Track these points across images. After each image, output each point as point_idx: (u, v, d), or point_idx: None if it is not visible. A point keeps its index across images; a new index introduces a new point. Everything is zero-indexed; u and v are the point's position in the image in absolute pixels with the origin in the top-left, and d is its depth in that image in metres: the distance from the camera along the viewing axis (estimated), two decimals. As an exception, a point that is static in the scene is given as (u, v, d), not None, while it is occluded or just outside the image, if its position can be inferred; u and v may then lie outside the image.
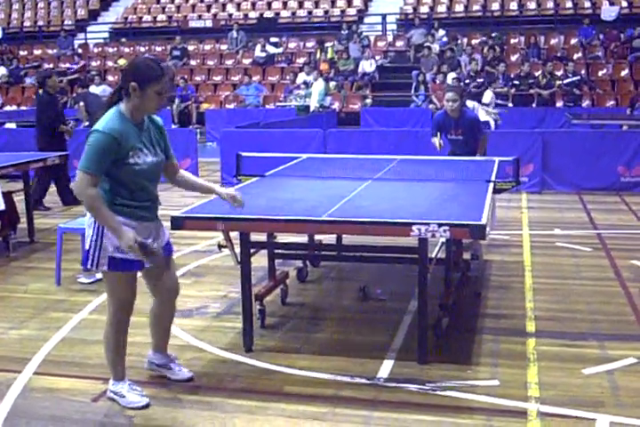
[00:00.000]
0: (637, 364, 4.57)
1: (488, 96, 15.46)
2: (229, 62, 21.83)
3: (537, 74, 17.99)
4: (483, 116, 12.39)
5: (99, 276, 6.54)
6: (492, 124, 13.62)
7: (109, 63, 22.50)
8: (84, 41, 24.40)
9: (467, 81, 17.47)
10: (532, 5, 22.28)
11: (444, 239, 5.48)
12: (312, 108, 17.06)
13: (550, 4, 22.17)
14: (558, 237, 7.93)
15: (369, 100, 18.99)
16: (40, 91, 9.98)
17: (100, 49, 23.76)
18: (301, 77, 18.64)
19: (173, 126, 17.89)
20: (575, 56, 19.42)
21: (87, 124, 13.08)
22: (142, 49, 23.02)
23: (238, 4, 24.93)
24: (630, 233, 8.11)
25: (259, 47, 21.32)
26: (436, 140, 7.49)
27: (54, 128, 9.66)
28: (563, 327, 5.24)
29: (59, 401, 4.21)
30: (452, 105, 7.32)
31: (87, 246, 3.94)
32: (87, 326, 5.42)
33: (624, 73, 18.65)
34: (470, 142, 7.48)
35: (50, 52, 23.73)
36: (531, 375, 4.42)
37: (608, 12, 20.56)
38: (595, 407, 3.99)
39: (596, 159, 10.58)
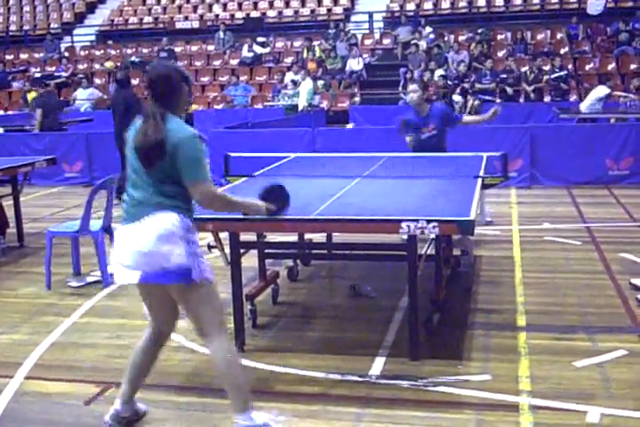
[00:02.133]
0: (627, 356, 4.59)
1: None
2: (217, 63, 21.79)
3: (524, 69, 18.03)
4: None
5: (89, 279, 6.57)
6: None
7: (96, 66, 22.43)
8: (70, 44, 24.31)
9: (455, 81, 17.51)
10: (518, 1, 22.29)
11: (433, 235, 5.49)
12: (300, 108, 17.05)
13: (536, 0, 22.21)
14: (548, 231, 7.96)
15: (357, 99, 18.99)
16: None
17: (86, 52, 23.67)
18: (289, 77, 18.62)
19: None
20: (562, 51, 19.46)
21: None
22: (129, 51, 22.94)
23: (224, 5, 24.89)
24: (619, 226, 8.14)
25: (246, 47, 21.29)
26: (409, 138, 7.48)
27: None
28: (553, 321, 5.26)
29: (51, 405, 4.20)
30: (412, 96, 7.44)
31: (183, 260, 3.52)
32: (78, 330, 5.41)
33: (610, 67, 18.70)
34: (443, 135, 7.46)
35: (36, 55, 23.63)
36: (522, 369, 4.43)
37: (594, 7, 20.58)
38: (586, 400, 4.01)
39: (585, 153, 10.61)
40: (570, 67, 18.30)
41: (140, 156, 3.56)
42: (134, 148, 3.59)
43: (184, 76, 3.67)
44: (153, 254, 3.52)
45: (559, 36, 20.42)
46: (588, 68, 18.82)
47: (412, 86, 7.58)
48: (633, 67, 18.35)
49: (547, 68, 17.77)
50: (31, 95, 19.38)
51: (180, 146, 3.49)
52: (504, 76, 17.37)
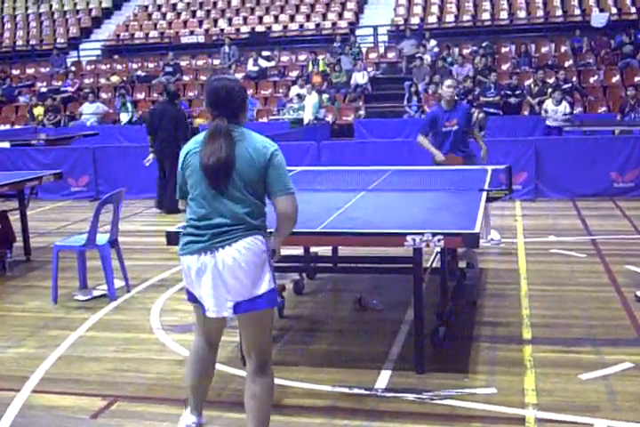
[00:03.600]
0: (633, 368, 4.59)
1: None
2: (222, 77, 21.88)
3: (528, 82, 18.08)
4: None
5: (95, 293, 6.59)
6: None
7: (102, 80, 22.56)
8: (76, 59, 24.47)
9: (461, 96, 17.56)
10: (522, 14, 22.39)
11: (438, 249, 5.50)
12: (306, 121, 17.11)
13: (540, 13, 22.28)
14: (553, 243, 7.96)
15: (362, 112, 19.05)
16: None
17: (92, 66, 23.82)
18: (294, 91, 18.70)
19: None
20: (566, 63, 19.51)
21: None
22: (135, 66, 23.09)
23: (230, 19, 25.04)
24: (624, 238, 8.14)
25: (251, 61, 21.40)
26: (433, 149, 7.82)
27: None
28: (559, 333, 5.26)
29: (58, 419, 4.21)
30: (451, 91, 7.76)
31: (272, 285, 3.49)
32: (85, 344, 5.42)
33: (615, 79, 18.74)
34: (463, 134, 7.87)
35: (43, 70, 23.79)
36: (528, 382, 4.43)
37: (598, 19, 20.65)
38: (592, 412, 4.01)
39: (589, 166, 10.63)
40: (574, 79, 18.34)
41: (216, 176, 3.40)
42: (207, 168, 3.40)
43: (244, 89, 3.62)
44: (246, 283, 3.42)
45: (563, 48, 20.48)
46: (592, 80, 18.87)
47: (449, 81, 7.83)
48: (637, 79, 18.38)
49: (551, 80, 17.82)
50: (37, 110, 19.53)
51: (272, 158, 3.44)
52: (509, 92, 17.42)
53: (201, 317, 3.65)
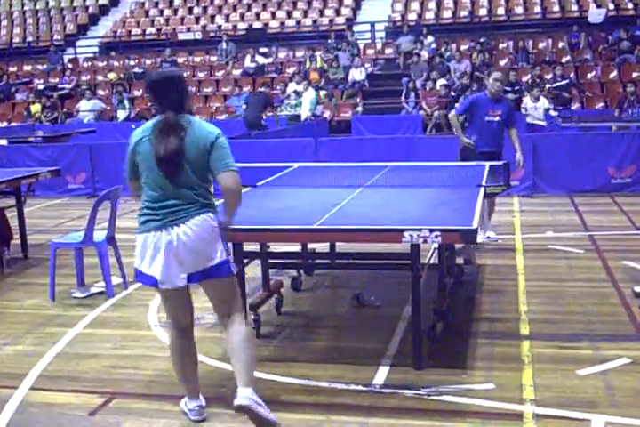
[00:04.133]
0: (631, 364, 4.60)
1: None
2: (219, 74, 21.87)
3: (526, 78, 18.07)
4: None
5: (93, 290, 6.58)
6: None
7: (99, 77, 22.52)
8: (73, 56, 24.42)
9: (458, 93, 17.55)
10: (520, 10, 22.37)
11: (436, 245, 5.50)
12: (304, 117, 17.08)
13: (537, 9, 22.27)
14: (551, 239, 7.97)
15: (359, 108, 19.04)
16: None
17: (89, 63, 23.78)
18: (292, 87, 18.68)
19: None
20: (564, 59, 19.50)
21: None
22: (132, 62, 23.05)
23: (227, 16, 25.00)
24: (622, 234, 8.14)
25: (248, 58, 21.37)
26: (460, 131, 7.74)
27: None
28: (556, 329, 5.26)
29: (55, 416, 4.21)
30: (499, 86, 7.59)
31: (225, 256, 3.90)
32: (82, 341, 5.42)
33: (612, 75, 18.73)
34: (502, 128, 7.69)
35: (40, 67, 23.74)
36: (526, 378, 4.44)
37: (595, 15, 20.64)
38: (590, 408, 4.01)
39: (587, 161, 10.63)
40: (572, 75, 18.33)
41: (168, 166, 3.72)
42: (160, 159, 3.72)
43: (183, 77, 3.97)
44: (200, 254, 3.79)
45: (561, 44, 20.47)
46: (589, 76, 18.86)
47: (496, 74, 7.67)
48: (635, 75, 18.38)
49: (548, 76, 17.81)
50: (34, 107, 19.49)
51: (215, 140, 3.79)
52: (507, 88, 17.39)
53: (162, 296, 4.01)
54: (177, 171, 3.73)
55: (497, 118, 7.61)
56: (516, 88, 17.39)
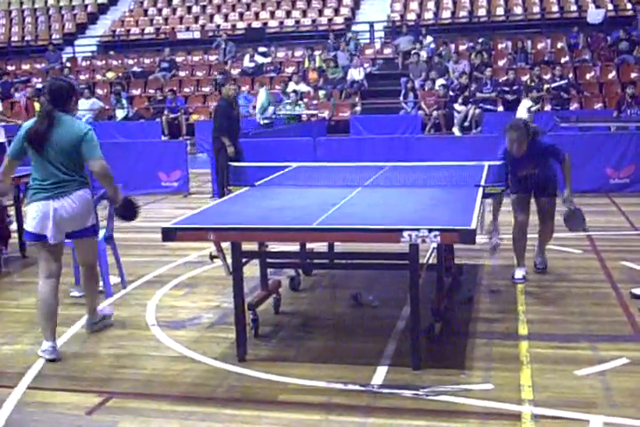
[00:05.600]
0: (629, 364, 4.59)
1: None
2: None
3: (525, 78, 18.09)
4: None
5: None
6: None
7: (98, 76, 22.51)
8: (72, 55, 24.42)
9: (457, 92, 17.58)
10: (519, 10, 22.40)
11: (435, 244, 5.50)
12: (258, 119, 16.86)
13: (536, 9, 22.30)
14: (549, 239, 7.94)
15: (358, 108, 19.04)
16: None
17: (88, 62, 23.78)
18: (291, 86, 18.69)
19: (163, 138, 17.88)
20: (562, 60, 19.52)
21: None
22: (131, 62, 23.05)
23: (226, 15, 25.02)
24: (620, 234, 8.14)
25: (247, 57, 21.38)
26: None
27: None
28: (555, 329, 5.26)
29: (53, 415, 4.20)
30: (516, 148, 6.19)
31: (94, 221, 5.21)
32: (80, 340, 5.41)
33: (611, 75, 18.76)
34: (547, 173, 6.50)
35: (38, 66, 23.74)
36: (524, 378, 4.43)
37: (594, 16, 20.67)
38: (588, 408, 4.01)
39: (585, 162, 10.62)
40: (570, 76, 18.35)
41: (36, 144, 4.94)
42: (30, 139, 4.95)
43: (74, 88, 5.22)
44: (78, 220, 5.06)
45: (560, 45, 20.50)
46: (588, 76, 18.88)
47: (512, 134, 6.20)
48: (633, 76, 18.40)
49: (547, 76, 17.83)
50: (37, 104, 19.45)
51: (84, 135, 4.96)
52: (506, 88, 17.42)
53: (43, 251, 5.07)
54: (43, 150, 4.93)
55: (534, 171, 6.43)
56: (514, 88, 17.41)
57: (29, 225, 5.00)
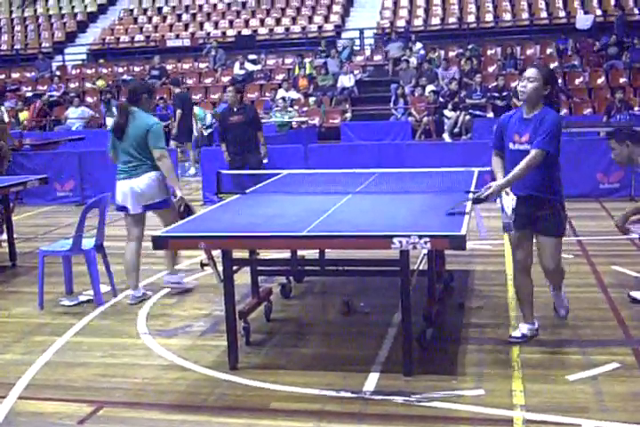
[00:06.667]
0: (620, 368, 4.60)
1: None
2: (208, 80, 21.88)
3: (514, 84, 18.15)
4: None
5: (81, 298, 6.56)
6: None
7: (88, 84, 22.48)
8: (62, 63, 24.38)
9: (447, 98, 17.63)
10: (508, 16, 22.49)
11: (425, 251, 5.50)
12: (196, 133, 16.57)
13: (525, 15, 22.40)
14: (540, 245, 7.95)
15: (348, 115, 19.07)
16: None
17: (78, 71, 23.75)
18: (281, 93, 18.70)
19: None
20: (552, 65, 19.59)
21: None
22: (121, 70, 23.03)
23: (216, 23, 25.03)
24: (610, 239, 8.16)
25: (237, 65, 21.39)
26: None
27: None
28: (546, 335, 5.26)
29: (44, 425, 4.19)
30: (526, 86, 4.84)
31: (163, 196, 6.41)
32: (71, 349, 5.39)
33: (600, 81, 18.84)
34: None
35: (28, 75, 23.70)
36: (515, 383, 4.44)
37: (582, 21, 20.77)
38: (579, 413, 4.02)
39: (575, 167, 10.63)
40: (560, 81, 18.42)
41: (117, 133, 6.35)
42: (113, 128, 6.41)
43: (146, 88, 6.59)
44: (148, 196, 6.31)
45: (549, 50, 20.58)
46: (577, 82, 18.96)
47: (530, 71, 4.92)
48: (622, 81, 18.49)
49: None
50: (23, 115, 19.43)
51: (150, 128, 6.24)
52: (496, 94, 17.48)
53: (127, 219, 6.46)
54: (121, 138, 6.28)
55: (527, 146, 4.93)
56: (504, 94, 17.48)
57: (116, 199, 6.38)
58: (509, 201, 4.86)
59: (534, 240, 5.22)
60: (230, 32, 24.21)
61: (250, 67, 21.39)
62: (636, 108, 16.10)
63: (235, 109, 9.81)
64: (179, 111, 14.89)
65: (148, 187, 6.25)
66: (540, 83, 4.86)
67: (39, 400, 4.52)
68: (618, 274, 6.72)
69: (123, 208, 6.37)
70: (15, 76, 24.01)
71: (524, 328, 5.19)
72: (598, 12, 21.60)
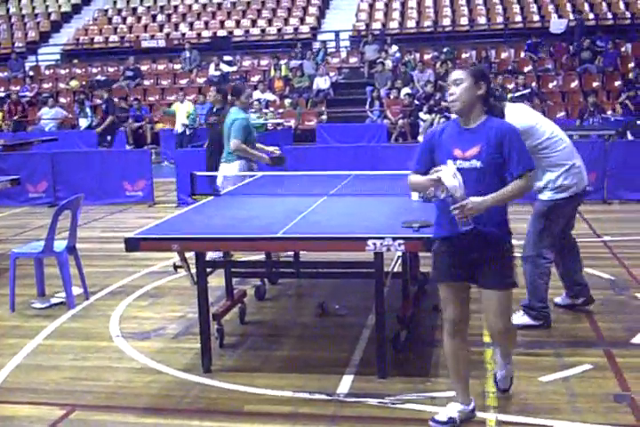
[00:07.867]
0: (592, 370, 4.64)
1: None
2: (183, 82, 21.80)
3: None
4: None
5: (53, 301, 6.50)
6: None
7: (61, 85, 22.30)
8: (35, 63, 24.17)
9: (422, 101, 17.68)
10: (482, 20, 22.63)
11: (400, 253, 5.51)
12: (178, 130, 16.79)
13: (500, 19, 22.55)
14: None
15: (324, 117, 19.08)
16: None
17: (51, 71, 23.55)
18: (256, 95, 18.67)
19: (128, 147, 17.75)
20: (525, 69, 19.75)
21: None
22: (95, 70, 22.87)
23: (191, 24, 24.95)
24: (583, 242, 8.20)
25: (212, 66, 21.33)
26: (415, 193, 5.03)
27: None
28: (518, 336, 5.23)
29: (15, 429, 4.14)
30: (454, 92, 4.18)
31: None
32: (43, 352, 5.34)
33: (573, 84, 19.01)
34: (495, 178, 4.10)
35: (0, 75, 23.47)
36: (488, 385, 4.45)
37: (556, 25, 20.95)
38: (552, 414, 4.04)
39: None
40: (533, 85, 18.56)
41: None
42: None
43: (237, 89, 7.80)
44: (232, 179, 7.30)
45: (523, 54, 20.73)
46: (551, 85, 19.12)
47: (455, 72, 4.23)
48: (595, 85, 18.67)
49: (510, 86, 18.01)
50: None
51: (232, 122, 7.38)
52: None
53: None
54: (221, 131, 7.62)
55: (475, 163, 3.97)
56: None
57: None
58: (449, 171, 3.77)
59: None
60: (205, 33, 24.14)
61: (225, 68, 21.34)
62: (609, 112, 16.26)
63: (214, 110, 9.85)
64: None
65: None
66: (470, 82, 4.06)
67: (10, 404, 4.47)
68: (591, 276, 6.76)
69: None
70: (-13, 76, 23.77)
71: (452, 410, 3.97)
72: (572, 17, 21.79)
